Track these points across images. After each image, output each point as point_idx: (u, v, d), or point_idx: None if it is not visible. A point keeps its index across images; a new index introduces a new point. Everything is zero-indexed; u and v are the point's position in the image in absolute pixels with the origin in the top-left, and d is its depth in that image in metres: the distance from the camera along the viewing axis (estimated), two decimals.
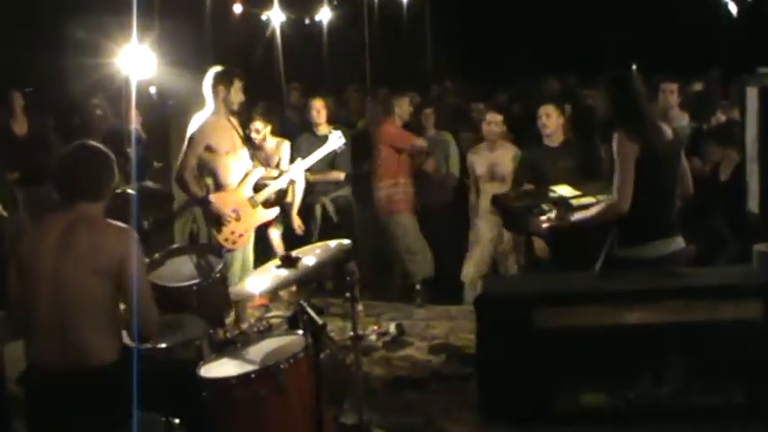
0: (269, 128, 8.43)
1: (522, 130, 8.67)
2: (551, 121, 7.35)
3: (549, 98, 8.28)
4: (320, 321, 3.96)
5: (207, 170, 7.17)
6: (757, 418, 3.40)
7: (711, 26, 15.28)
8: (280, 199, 7.99)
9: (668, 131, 5.35)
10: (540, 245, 6.97)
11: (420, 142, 8.76)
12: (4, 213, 8.51)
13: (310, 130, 8.87)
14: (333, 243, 5.29)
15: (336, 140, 7.98)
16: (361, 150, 8.96)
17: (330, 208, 8.73)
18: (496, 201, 6.71)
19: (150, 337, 4.45)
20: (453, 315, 8.26)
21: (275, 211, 7.66)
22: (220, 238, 7.13)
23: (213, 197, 7.12)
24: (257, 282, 5.09)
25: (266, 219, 7.59)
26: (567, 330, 3.36)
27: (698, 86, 10.11)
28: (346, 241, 5.22)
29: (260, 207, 7.38)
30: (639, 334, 3.34)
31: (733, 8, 15.76)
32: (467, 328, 7.61)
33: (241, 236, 7.22)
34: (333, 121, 8.91)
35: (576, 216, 5.47)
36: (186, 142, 7.07)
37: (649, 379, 3.38)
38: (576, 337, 3.35)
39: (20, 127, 10.05)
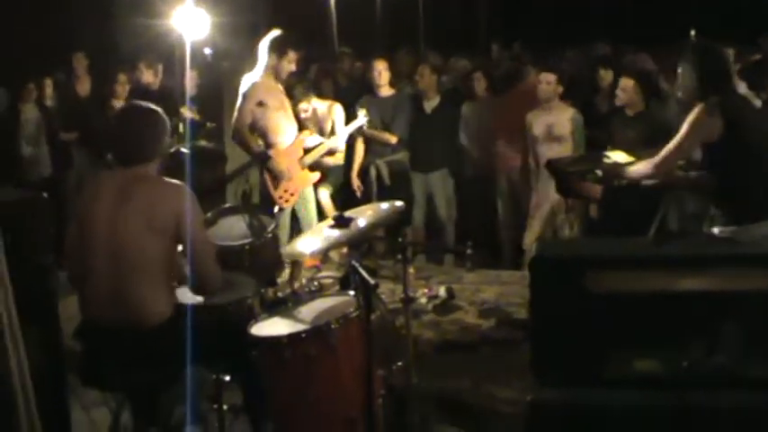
0: (311, 97, 8.42)
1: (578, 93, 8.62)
2: (627, 94, 7.31)
3: (629, 70, 8.13)
4: (372, 281, 3.96)
5: (258, 127, 7.24)
6: None
7: None
8: (323, 163, 8.07)
9: (757, 102, 5.16)
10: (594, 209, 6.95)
11: None
12: None
13: (369, 91, 8.87)
14: (385, 205, 5.28)
15: (362, 118, 8.11)
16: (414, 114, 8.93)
17: (384, 171, 8.73)
18: (550, 165, 6.65)
19: (212, 292, 4.56)
20: (504, 280, 8.24)
21: (317, 175, 7.77)
22: (276, 194, 7.24)
23: (273, 152, 7.18)
24: (309, 242, 5.11)
25: (312, 181, 7.70)
26: (620, 295, 3.32)
27: (756, 56, 9.91)
28: (399, 203, 5.21)
29: (307, 170, 7.46)
30: (694, 301, 3.30)
31: None
32: (517, 293, 7.62)
33: (292, 194, 7.35)
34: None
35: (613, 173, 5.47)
36: (241, 98, 7.18)
37: (703, 347, 3.33)
38: (630, 303, 3.31)
39: (83, 87, 10.15)
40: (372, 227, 5.06)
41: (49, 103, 9.92)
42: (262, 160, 7.29)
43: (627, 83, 7.39)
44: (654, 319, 3.32)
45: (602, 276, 3.32)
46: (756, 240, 4.06)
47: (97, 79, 10.18)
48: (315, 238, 5.05)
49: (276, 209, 6.90)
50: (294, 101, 8.01)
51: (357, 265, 4.26)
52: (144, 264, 4.22)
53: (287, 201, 7.32)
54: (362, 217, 4.98)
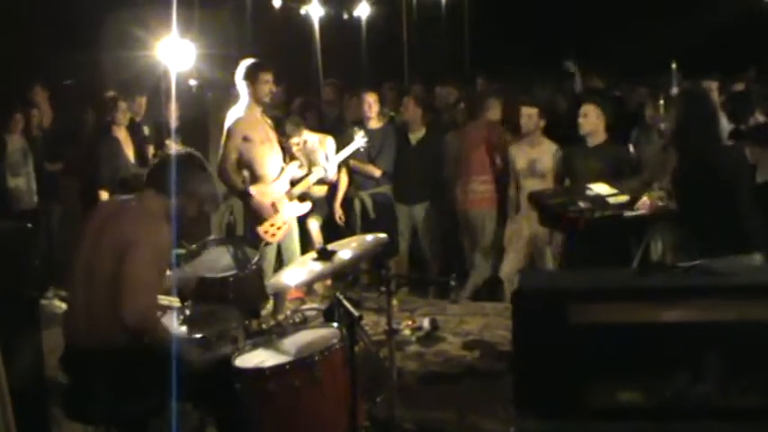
0: (302, 130, 8.45)
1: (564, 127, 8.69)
2: (588, 121, 7.25)
3: (589, 96, 8.23)
4: (356, 313, 3.97)
5: (244, 161, 7.24)
6: None
7: (751, 24, 15.10)
8: (312, 193, 8.10)
9: (727, 143, 5.33)
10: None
11: None
12: None
13: (353, 124, 8.92)
14: (369, 237, 5.30)
15: (360, 140, 8.14)
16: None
17: (368, 203, 8.75)
18: (533, 197, 6.70)
19: (139, 325, 4.28)
20: (487, 311, 8.26)
21: (308, 205, 7.76)
22: (260, 230, 7.22)
23: (254, 190, 7.20)
24: (293, 274, 5.12)
25: (301, 212, 7.69)
26: (603, 326, 3.34)
27: (739, 86, 10.03)
28: (383, 236, 5.23)
29: (296, 201, 7.47)
30: (677, 332, 3.32)
31: None
32: (501, 324, 7.63)
33: (279, 228, 7.32)
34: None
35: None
36: (225, 135, 7.16)
37: (687, 377, 3.36)
38: (613, 334, 3.33)
39: (45, 119, 10.17)
40: (356, 259, 5.08)
41: (35, 133, 9.92)
42: (243, 198, 7.30)
43: (587, 109, 7.32)
44: (636, 350, 3.34)
45: (584, 308, 3.34)
46: (735, 270, 4.12)
47: (65, 110, 10.25)
48: (299, 271, 5.06)
49: (263, 243, 6.95)
50: (285, 137, 8.03)
51: (341, 297, 4.27)
52: (112, 286, 4.23)
53: (273, 235, 7.29)
54: (346, 249, 4.99)
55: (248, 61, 7.25)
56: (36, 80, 10.32)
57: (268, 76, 7.19)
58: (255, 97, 7.17)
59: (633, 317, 3.33)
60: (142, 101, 9.79)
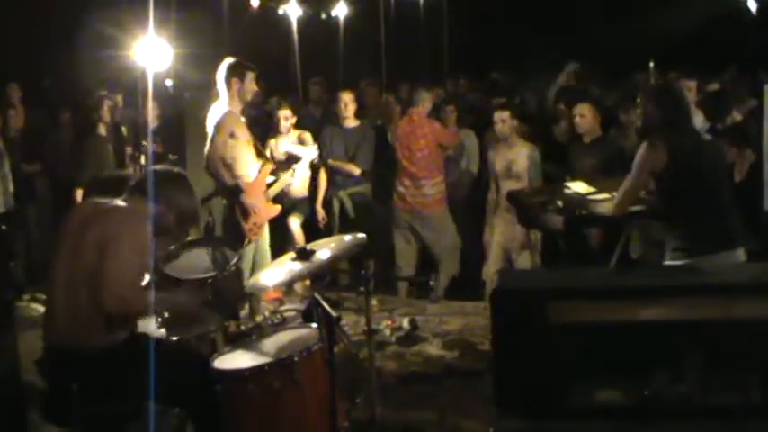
0: (293, 121, 8.48)
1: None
2: (585, 120, 7.53)
3: (583, 97, 8.30)
4: (335, 314, 3.96)
5: (227, 158, 7.22)
6: None
7: (730, 24, 15.16)
8: (291, 194, 8.13)
9: (706, 137, 5.33)
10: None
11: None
12: None
13: (336, 123, 8.92)
14: (348, 237, 5.28)
15: (313, 152, 8.35)
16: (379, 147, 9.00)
17: (347, 203, 8.74)
18: (511, 197, 6.71)
19: (121, 310, 4.31)
20: (467, 311, 8.26)
21: (278, 209, 7.76)
22: (247, 227, 7.23)
23: (245, 185, 7.20)
24: (272, 274, 5.09)
25: (274, 214, 7.71)
26: (581, 325, 3.34)
27: (715, 86, 10.07)
28: (361, 235, 5.21)
29: (270, 202, 7.49)
30: (656, 330, 3.32)
31: (753, 5, 15.64)
32: (480, 324, 7.64)
33: (260, 227, 7.36)
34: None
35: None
36: (213, 130, 7.16)
37: (666, 376, 3.36)
38: (592, 333, 3.33)
39: (18, 119, 10.10)
40: (335, 259, 5.06)
41: (12, 134, 9.84)
42: (234, 193, 7.26)
43: (583, 108, 7.58)
44: (616, 349, 3.34)
45: (562, 307, 3.34)
46: (714, 269, 4.14)
47: (41, 110, 10.21)
48: (277, 271, 5.03)
49: (246, 242, 6.95)
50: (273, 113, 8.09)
51: (319, 297, 4.25)
52: (92, 286, 4.20)
53: (255, 234, 7.32)
54: (325, 249, 4.97)
55: (234, 60, 7.25)
56: (10, 80, 10.28)
57: (252, 75, 7.22)
58: (239, 95, 7.18)
59: (612, 316, 3.33)
60: (118, 99, 9.74)
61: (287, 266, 4.96)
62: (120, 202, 4.46)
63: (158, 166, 5.80)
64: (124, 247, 4.22)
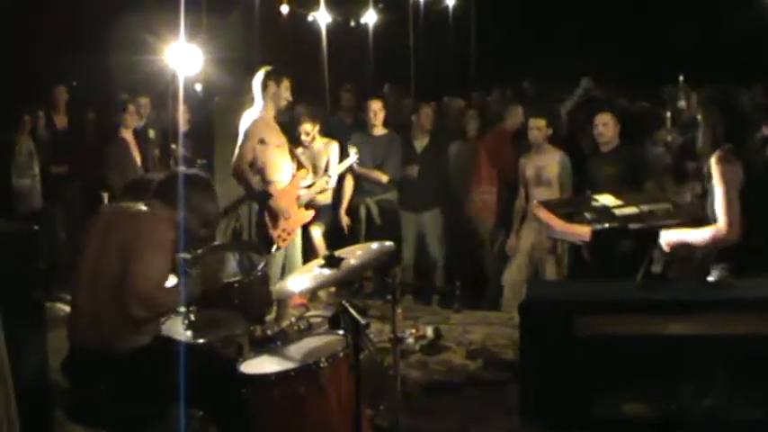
0: (317, 128, 8.52)
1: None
2: (609, 129, 7.53)
3: (606, 107, 8.30)
4: (363, 321, 3.97)
5: (257, 164, 7.26)
6: None
7: (761, 36, 15.04)
8: (315, 202, 8.15)
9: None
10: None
11: None
12: None
13: (364, 130, 8.96)
14: (375, 245, 5.30)
15: (353, 157, 8.30)
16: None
17: (374, 210, 8.77)
18: (540, 208, 6.70)
19: (161, 313, 4.50)
20: (491, 321, 8.25)
21: (311, 214, 7.81)
22: (275, 233, 7.25)
23: (274, 191, 7.22)
24: (298, 281, 5.12)
25: (306, 220, 7.75)
26: (609, 338, 3.34)
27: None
28: (389, 244, 5.23)
29: (303, 209, 7.51)
30: (683, 345, 3.32)
31: None
32: (504, 333, 7.64)
33: (290, 234, 7.38)
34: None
35: (671, 236, 4.99)
36: (243, 136, 7.21)
37: (692, 391, 3.35)
38: (619, 346, 3.33)
39: (61, 121, 10.21)
40: (362, 267, 5.08)
41: (41, 135, 9.94)
42: (263, 198, 7.29)
43: (605, 118, 7.58)
44: (643, 363, 3.34)
45: (591, 320, 3.34)
46: (743, 285, 4.07)
47: (79, 113, 10.29)
48: (304, 277, 5.06)
49: (274, 248, 6.98)
50: (297, 128, 8.10)
51: (347, 304, 4.26)
52: (117, 289, 4.23)
53: (284, 240, 7.34)
54: (352, 257, 4.99)
55: (270, 67, 7.30)
56: (40, 82, 10.38)
57: (288, 83, 7.27)
58: (274, 101, 7.23)
59: (640, 329, 3.33)
60: (146, 102, 9.80)
61: (314, 273, 4.99)
62: (142, 206, 4.47)
63: (182, 169, 5.89)
64: (146, 247, 4.25)
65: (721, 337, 3.32)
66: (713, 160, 4.75)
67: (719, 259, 4.79)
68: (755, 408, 3.31)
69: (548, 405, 3.38)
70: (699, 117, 5.06)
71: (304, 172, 7.70)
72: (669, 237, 4.94)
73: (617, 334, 3.32)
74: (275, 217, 7.26)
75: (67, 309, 4.58)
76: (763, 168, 4.85)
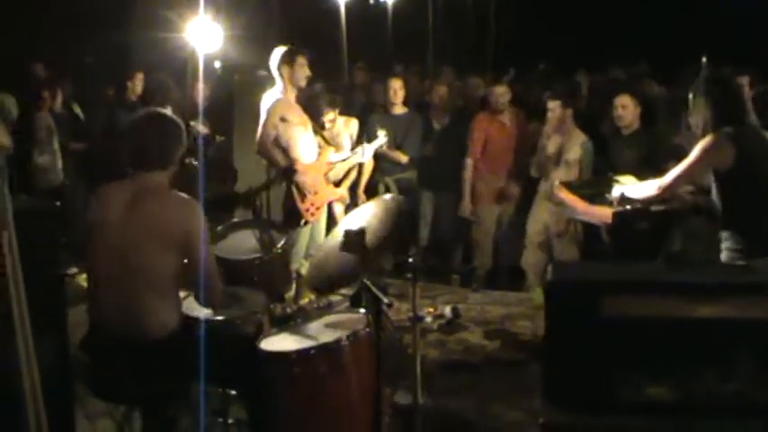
0: (337, 111, 8.49)
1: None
2: (628, 111, 7.48)
3: (624, 87, 8.25)
4: (386, 300, 3.96)
5: (280, 142, 7.28)
6: None
7: None
8: (344, 178, 8.14)
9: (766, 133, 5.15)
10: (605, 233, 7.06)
11: None
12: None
13: (385, 109, 8.95)
14: (387, 197, 5.23)
15: (381, 138, 8.12)
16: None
17: (393, 189, 8.77)
18: (561, 189, 6.68)
19: (215, 307, 4.58)
20: (508, 301, 8.25)
21: (342, 190, 7.84)
22: (303, 207, 7.27)
23: (300, 166, 7.23)
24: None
25: (335, 197, 7.78)
26: (636, 320, 3.32)
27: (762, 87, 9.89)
28: (396, 196, 5.15)
29: (331, 185, 7.53)
30: (709, 328, 3.29)
31: None
32: (522, 314, 7.66)
33: (318, 209, 7.41)
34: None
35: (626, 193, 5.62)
36: (265, 114, 7.20)
37: (717, 374, 3.34)
38: (644, 328, 3.31)
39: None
40: (384, 240, 5.06)
41: (60, 111, 9.95)
42: (288, 173, 7.31)
43: (624, 100, 7.53)
44: (668, 345, 3.32)
45: (618, 301, 3.32)
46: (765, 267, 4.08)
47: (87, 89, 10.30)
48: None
49: (302, 222, 6.99)
50: (319, 111, 8.07)
51: (368, 282, 4.25)
52: (151, 275, 4.19)
53: (313, 214, 7.36)
54: (372, 222, 4.99)
55: (283, 48, 7.28)
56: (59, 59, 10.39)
57: (304, 60, 7.25)
58: (292, 81, 7.22)
59: (666, 311, 3.31)
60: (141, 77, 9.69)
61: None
62: (156, 186, 4.30)
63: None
64: (198, 239, 4.19)
65: (746, 320, 3.29)
66: (708, 137, 4.93)
67: (728, 240, 4.95)
68: None
69: (572, 387, 3.37)
70: (694, 97, 5.14)
71: (332, 149, 7.69)
72: (616, 192, 5.67)
73: (644, 316, 3.30)
74: (302, 191, 7.27)
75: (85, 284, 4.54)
76: (760, 154, 4.94)
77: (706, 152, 4.91)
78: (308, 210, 7.29)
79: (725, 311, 3.28)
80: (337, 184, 7.81)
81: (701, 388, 3.31)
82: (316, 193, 7.32)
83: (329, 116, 8.25)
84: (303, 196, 7.28)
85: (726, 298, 3.29)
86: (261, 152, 7.30)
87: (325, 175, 7.51)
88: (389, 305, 4.00)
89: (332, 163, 7.64)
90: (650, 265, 3.83)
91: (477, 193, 8.75)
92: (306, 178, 7.25)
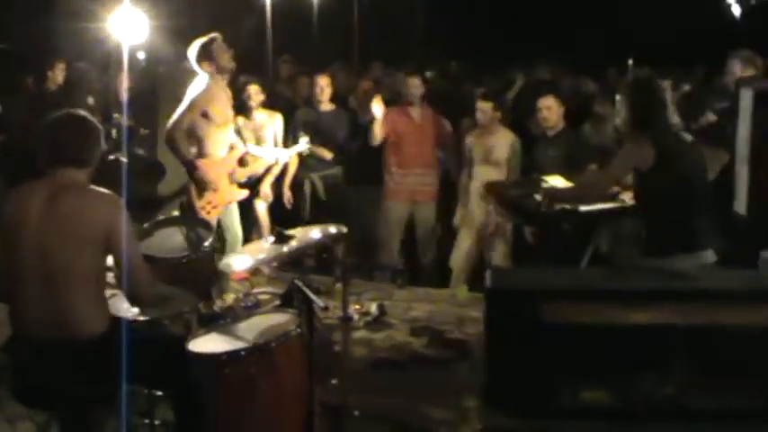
0: (261, 97, 8.39)
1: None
2: (552, 113, 7.52)
3: (549, 89, 8.30)
4: (321, 304, 3.92)
5: (195, 135, 7.15)
6: (759, 423, 3.41)
7: (713, 26, 15.20)
8: (266, 174, 8.06)
9: (688, 137, 5.37)
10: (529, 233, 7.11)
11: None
12: None
13: (311, 105, 8.87)
14: (331, 228, 5.18)
15: (303, 144, 8.07)
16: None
17: (319, 186, 8.71)
18: (490, 188, 6.72)
19: (147, 304, 4.54)
20: (434, 298, 8.24)
21: (245, 193, 7.64)
22: (198, 204, 7.16)
23: (200, 162, 7.11)
24: (244, 257, 5.03)
25: (236, 199, 7.59)
26: (573, 326, 3.35)
27: (686, 87, 10.09)
28: (342, 228, 5.10)
29: (235, 185, 7.39)
30: (645, 334, 3.35)
31: (736, 10, 15.74)
32: (448, 311, 7.66)
33: (215, 208, 7.26)
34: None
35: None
36: (185, 103, 7.05)
37: (653, 379, 3.38)
38: (583, 334, 3.35)
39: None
40: (312, 245, 5.02)
41: None
42: (189, 168, 7.16)
43: (548, 101, 7.59)
44: (606, 351, 3.36)
45: (556, 308, 3.35)
46: (705, 275, 4.17)
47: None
48: (252, 253, 4.98)
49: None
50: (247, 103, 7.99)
51: (300, 283, 4.21)
52: (74, 276, 4.08)
53: (208, 213, 7.18)
54: (304, 235, 4.93)
55: (201, 42, 7.16)
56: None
57: (219, 44, 7.13)
58: (219, 70, 7.11)
59: (603, 318, 3.35)
60: (62, 66, 9.48)
61: (263, 249, 4.91)
62: (73, 184, 4.20)
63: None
64: (123, 235, 4.11)
65: (682, 326, 3.34)
66: (628, 140, 5.22)
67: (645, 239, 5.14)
68: (715, 397, 3.35)
69: (512, 392, 3.38)
70: (617, 100, 5.39)
71: (238, 150, 7.57)
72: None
73: (582, 322, 3.33)
74: (200, 188, 7.14)
75: None
76: (678, 155, 5.15)
77: (626, 155, 5.15)
78: (203, 208, 7.16)
79: (660, 318, 3.33)
80: (259, 180, 7.66)
81: (638, 393, 3.35)
82: (216, 190, 7.21)
83: (255, 88, 8.15)
84: (200, 193, 7.15)
85: (661, 304, 3.34)
86: (168, 141, 7.11)
87: (231, 174, 7.39)
88: (325, 308, 3.96)
89: (250, 155, 7.53)
90: (588, 272, 3.88)
91: (385, 189, 8.73)
92: (208, 175, 7.13)
